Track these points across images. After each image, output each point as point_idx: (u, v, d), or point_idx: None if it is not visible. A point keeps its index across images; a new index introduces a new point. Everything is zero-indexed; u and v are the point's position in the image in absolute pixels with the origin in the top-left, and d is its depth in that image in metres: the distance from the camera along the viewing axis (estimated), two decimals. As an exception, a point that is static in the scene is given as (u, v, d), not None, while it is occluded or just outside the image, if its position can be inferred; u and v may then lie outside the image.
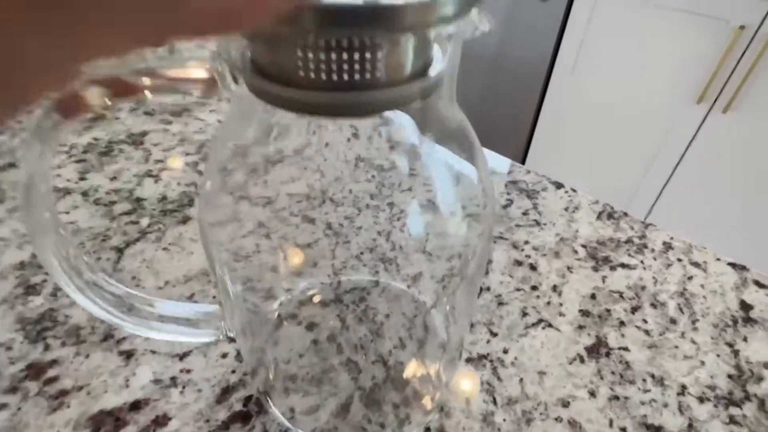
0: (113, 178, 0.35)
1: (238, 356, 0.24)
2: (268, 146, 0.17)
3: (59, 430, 0.21)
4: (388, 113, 0.13)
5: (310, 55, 0.10)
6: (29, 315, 0.26)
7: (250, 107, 0.14)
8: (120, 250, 0.30)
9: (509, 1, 1.16)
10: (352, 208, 0.30)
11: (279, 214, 0.28)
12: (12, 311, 0.26)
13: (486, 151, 0.40)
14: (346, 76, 0.11)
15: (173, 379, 0.23)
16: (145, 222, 0.32)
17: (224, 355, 0.24)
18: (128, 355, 0.24)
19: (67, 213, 0.32)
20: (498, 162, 0.39)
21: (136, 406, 0.22)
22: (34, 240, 0.15)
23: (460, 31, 0.12)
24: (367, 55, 0.10)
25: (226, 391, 0.23)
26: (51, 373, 0.23)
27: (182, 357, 0.24)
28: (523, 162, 1.36)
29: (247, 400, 0.22)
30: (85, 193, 0.34)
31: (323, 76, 0.10)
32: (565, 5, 1.09)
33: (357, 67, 0.11)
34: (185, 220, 0.32)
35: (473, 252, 0.20)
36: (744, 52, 0.92)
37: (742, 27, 0.90)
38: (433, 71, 0.12)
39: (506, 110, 1.34)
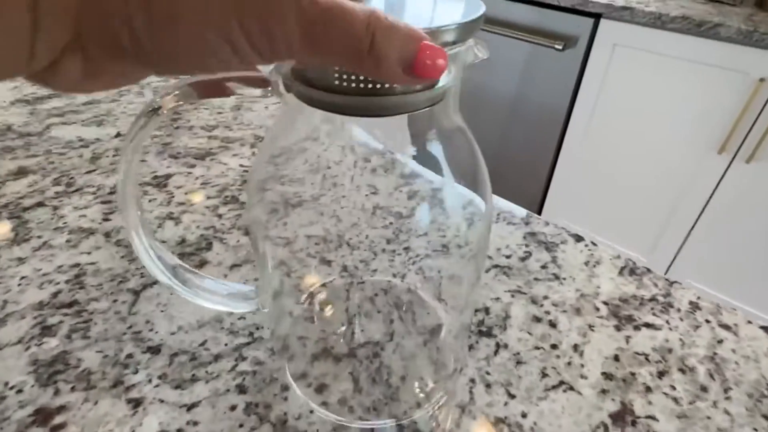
0: (136, 220, 0.36)
1: (247, 409, 0.23)
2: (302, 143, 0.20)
3: (61, 483, 0.20)
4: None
5: (345, 73, 0.14)
6: (43, 357, 0.26)
7: (295, 110, 0.18)
8: (137, 293, 0.30)
9: (528, 50, 1.19)
10: (368, 252, 0.30)
11: (297, 255, 0.28)
12: (26, 353, 0.26)
13: (503, 202, 0.39)
14: (370, 86, 0.14)
15: (180, 431, 0.22)
16: (163, 264, 0.32)
17: (233, 408, 0.24)
18: (136, 403, 0.24)
19: (89, 253, 0.33)
20: (516, 212, 0.38)
21: (140, 459, 0.21)
22: (122, 204, 0.19)
23: (460, 56, 0.15)
24: None
25: (233, 447, 0.22)
26: (58, 419, 0.23)
27: (190, 408, 0.23)
28: (539, 210, 1.35)
29: (254, 457, 0.22)
30: (107, 234, 0.34)
31: (353, 85, 0.14)
32: (583, 55, 1.12)
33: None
34: (202, 264, 0.32)
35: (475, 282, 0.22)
36: (765, 103, 0.92)
37: (762, 79, 0.90)
38: (438, 86, 0.15)
39: (523, 158, 1.35)
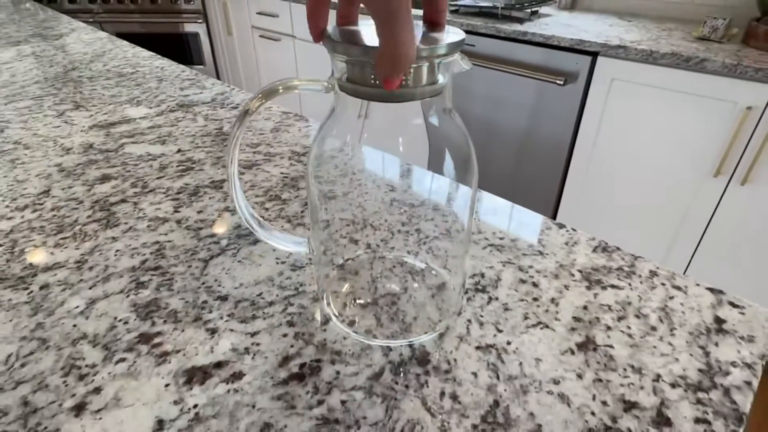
0: (200, 212, 0.45)
1: (295, 336, 0.31)
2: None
3: (163, 377, 0.28)
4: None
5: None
6: (140, 302, 0.34)
7: (343, 102, 0.26)
8: (206, 261, 0.38)
9: (533, 86, 1.29)
10: (387, 232, 0.37)
11: (333, 236, 0.36)
12: (127, 299, 0.34)
13: (511, 205, 0.47)
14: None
15: (247, 348, 0.30)
16: (224, 242, 0.40)
17: (285, 335, 0.31)
18: (212, 331, 0.31)
19: (166, 234, 0.41)
20: (518, 212, 0.46)
21: (219, 365, 0.29)
22: (229, 176, 0.29)
23: (451, 64, 0.24)
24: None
25: (286, 359, 0.29)
26: (156, 340, 0.31)
27: (253, 334, 0.31)
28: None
29: (302, 365, 0.29)
30: (178, 221, 0.43)
31: (381, 82, 0.22)
32: (583, 88, 1.21)
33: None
34: (255, 242, 0.40)
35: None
36: (754, 130, 0.99)
37: (749, 108, 0.97)
38: (438, 83, 0.24)
39: (532, 187, 1.42)
